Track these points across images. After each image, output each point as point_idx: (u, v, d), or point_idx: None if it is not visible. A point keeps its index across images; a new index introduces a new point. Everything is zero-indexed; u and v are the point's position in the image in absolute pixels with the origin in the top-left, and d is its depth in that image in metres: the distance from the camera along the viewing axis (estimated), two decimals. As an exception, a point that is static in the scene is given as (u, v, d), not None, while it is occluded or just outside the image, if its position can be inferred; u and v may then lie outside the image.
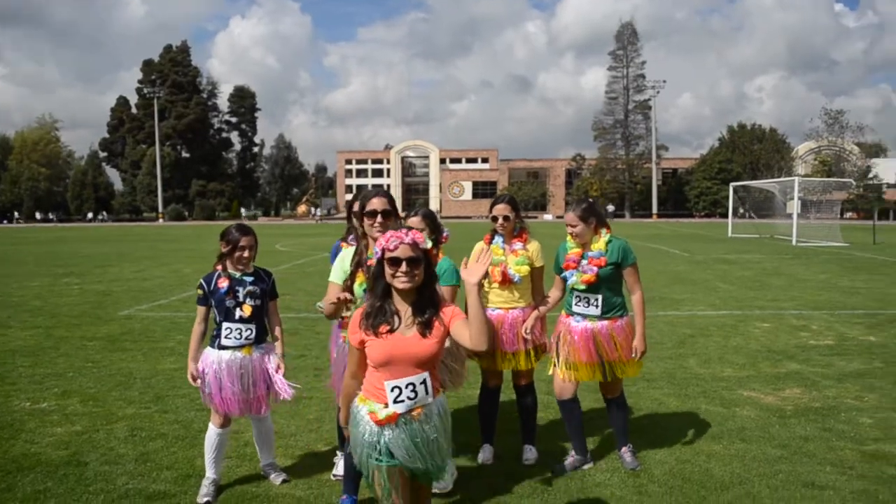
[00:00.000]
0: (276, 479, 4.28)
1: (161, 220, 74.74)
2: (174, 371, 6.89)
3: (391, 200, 3.69)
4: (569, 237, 4.48)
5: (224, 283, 4.06)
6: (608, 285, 4.40)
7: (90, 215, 79.40)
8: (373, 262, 2.90)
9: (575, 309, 4.47)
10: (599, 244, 4.40)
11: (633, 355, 4.39)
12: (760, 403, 5.84)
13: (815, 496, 4.02)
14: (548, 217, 74.24)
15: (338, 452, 4.45)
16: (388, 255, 2.73)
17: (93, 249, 26.80)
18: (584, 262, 4.40)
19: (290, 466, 4.54)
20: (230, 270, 4.11)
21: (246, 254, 4.08)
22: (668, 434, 5.10)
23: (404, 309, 2.78)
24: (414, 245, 2.74)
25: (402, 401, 2.73)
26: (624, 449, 4.59)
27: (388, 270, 2.75)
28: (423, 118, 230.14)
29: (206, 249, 4.96)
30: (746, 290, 13.37)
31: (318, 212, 78.60)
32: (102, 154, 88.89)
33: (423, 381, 2.76)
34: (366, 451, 2.77)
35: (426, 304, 2.78)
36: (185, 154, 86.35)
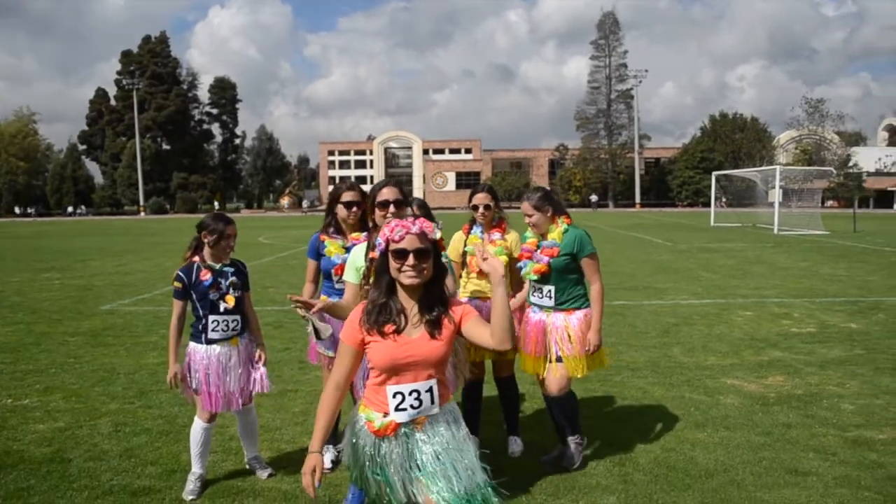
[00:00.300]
0: (262, 473, 4.26)
1: (143, 214, 74.04)
2: (157, 366, 6.83)
3: (402, 190, 3.59)
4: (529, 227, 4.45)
5: (207, 276, 3.99)
6: (564, 276, 4.29)
7: (70, 209, 78.42)
8: (375, 254, 2.59)
9: (532, 299, 4.43)
10: (555, 234, 4.31)
11: (587, 349, 4.22)
12: (744, 391, 5.89)
13: (798, 482, 4.06)
14: (531, 207, 74.17)
15: (326, 446, 4.43)
16: (392, 246, 2.44)
17: (73, 244, 26.50)
18: (538, 251, 4.35)
19: (276, 460, 4.52)
20: (209, 262, 4.05)
21: (232, 243, 4.04)
22: (653, 423, 5.13)
23: (410, 306, 2.50)
24: (422, 235, 2.44)
25: (405, 409, 2.45)
26: (570, 439, 4.39)
27: (393, 264, 2.45)
28: (405, 108, 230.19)
29: (189, 243, 4.91)
30: (729, 278, 13.49)
31: (305, 203, 78.29)
32: (82, 147, 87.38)
33: (430, 389, 2.48)
34: (368, 464, 2.51)
35: (434, 301, 2.49)
36: (165, 146, 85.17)
